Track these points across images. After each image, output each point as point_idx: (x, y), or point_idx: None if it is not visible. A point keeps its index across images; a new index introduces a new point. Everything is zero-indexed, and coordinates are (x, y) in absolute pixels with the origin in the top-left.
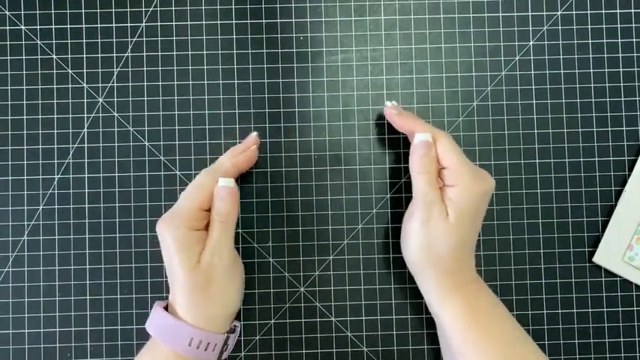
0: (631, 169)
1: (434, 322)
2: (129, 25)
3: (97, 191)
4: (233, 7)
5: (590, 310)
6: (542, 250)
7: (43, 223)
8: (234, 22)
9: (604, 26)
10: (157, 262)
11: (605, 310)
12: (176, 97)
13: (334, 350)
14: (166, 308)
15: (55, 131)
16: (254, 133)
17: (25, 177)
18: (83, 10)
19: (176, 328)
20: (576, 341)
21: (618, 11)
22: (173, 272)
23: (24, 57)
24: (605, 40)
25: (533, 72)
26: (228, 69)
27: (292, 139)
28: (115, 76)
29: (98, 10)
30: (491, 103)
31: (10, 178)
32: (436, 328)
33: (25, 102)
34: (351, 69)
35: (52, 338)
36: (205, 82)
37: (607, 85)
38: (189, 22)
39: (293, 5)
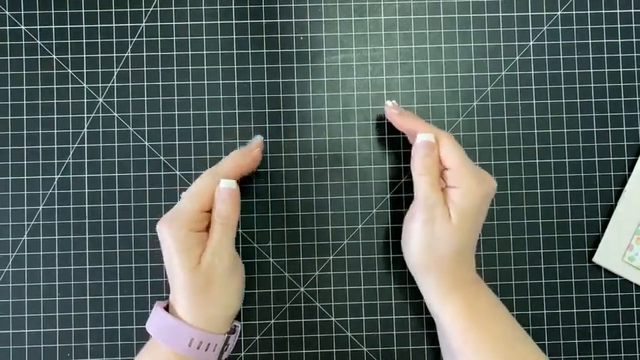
0: (631, 169)
1: (434, 322)
2: (129, 25)
3: (97, 191)
4: (233, 7)
5: (590, 310)
6: (542, 250)
7: (43, 223)
8: (234, 22)
9: (604, 26)
10: (157, 262)
11: (605, 310)
12: (176, 97)
13: (334, 350)
14: (167, 308)
15: (55, 131)
16: (259, 137)
17: (25, 177)
18: (83, 10)
19: (176, 329)
20: (576, 341)
21: (618, 11)
22: (173, 273)
23: (24, 57)
24: (605, 40)
25: (533, 72)
26: (228, 69)
27: (292, 139)
28: (115, 76)
29: (98, 10)
30: (491, 103)
31: (10, 178)
32: (436, 328)
33: (25, 102)
34: (351, 69)
35: (52, 338)
36: (205, 82)
37: (607, 85)
38: (189, 22)
39: (293, 5)
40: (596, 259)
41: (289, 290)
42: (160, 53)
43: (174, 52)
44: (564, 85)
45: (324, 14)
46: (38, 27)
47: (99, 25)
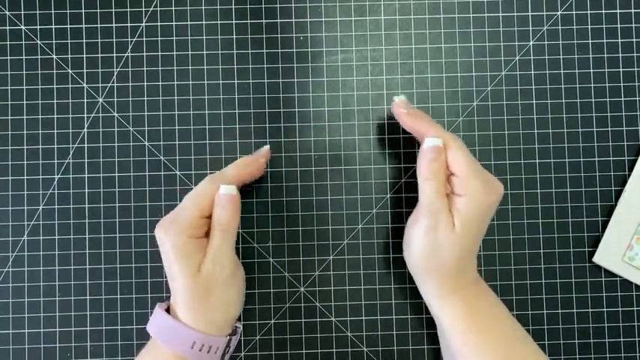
0: (631, 169)
1: (434, 322)
2: (129, 25)
3: (97, 191)
4: (233, 7)
5: (590, 310)
6: (542, 250)
7: (43, 223)
8: (234, 22)
9: (604, 26)
10: (157, 262)
11: (605, 310)
12: (176, 97)
13: (334, 350)
14: (167, 310)
15: (55, 131)
16: (266, 147)
17: (25, 177)
18: (83, 10)
19: (178, 331)
20: (576, 341)
21: (618, 11)
22: (173, 279)
23: (24, 57)
24: (605, 40)
25: (533, 72)
26: (228, 69)
27: (292, 139)
28: (115, 76)
29: (98, 10)
30: (491, 103)
31: (10, 178)
32: (436, 328)
33: (25, 102)
34: (351, 69)
35: (52, 338)
36: (205, 82)
37: (607, 85)
38: (189, 22)
39: (293, 5)
40: (596, 259)
41: (289, 290)
42: (159, 53)
43: (174, 52)
44: (564, 85)
45: (324, 14)
46: (38, 27)
47: (99, 25)
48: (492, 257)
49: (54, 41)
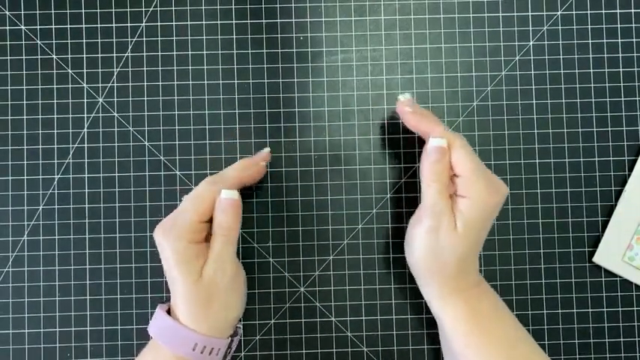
0: (631, 169)
1: (434, 322)
2: (129, 25)
3: (97, 191)
4: (233, 7)
5: (590, 310)
6: (542, 250)
7: (43, 223)
8: (234, 22)
9: (604, 26)
10: (157, 262)
11: (605, 310)
12: (176, 97)
13: (334, 350)
14: (168, 311)
15: (55, 131)
16: (267, 150)
17: (25, 177)
18: (83, 10)
19: (180, 333)
20: (576, 341)
21: (618, 11)
22: (173, 283)
23: (24, 57)
24: (605, 40)
25: (533, 72)
26: (228, 69)
27: (292, 139)
28: (115, 76)
29: (98, 10)
30: (491, 103)
31: (10, 178)
32: (436, 328)
33: (25, 102)
34: (351, 69)
35: (52, 338)
36: (205, 82)
37: (607, 85)
38: (189, 22)
39: (293, 5)
40: (596, 259)
41: (289, 290)
42: (159, 53)
43: (174, 52)
44: (564, 85)
45: (324, 14)
46: (38, 27)
47: (99, 25)
48: (492, 257)
49: (54, 41)
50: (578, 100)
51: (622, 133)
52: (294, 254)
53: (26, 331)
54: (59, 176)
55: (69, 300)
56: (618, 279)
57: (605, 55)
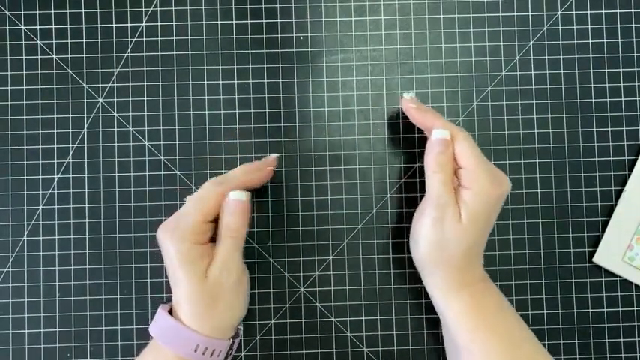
0: (631, 169)
1: (434, 322)
2: (129, 25)
3: (97, 191)
4: (233, 7)
5: (590, 310)
6: (542, 250)
7: (43, 223)
8: (234, 22)
9: (604, 26)
10: (157, 262)
11: (605, 310)
12: (176, 97)
13: (334, 350)
14: (170, 311)
15: (55, 131)
16: (274, 155)
17: (25, 177)
18: (83, 10)
19: (181, 334)
20: (576, 341)
21: (618, 11)
22: (177, 284)
23: (24, 57)
24: (605, 40)
25: (533, 72)
26: (228, 69)
27: (292, 139)
28: (115, 76)
29: (98, 10)
30: (491, 103)
31: (10, 178)
32: (436, 328)
33: (25, 102)
34: (351, 69)
35: (52, 338)
36: (205, 82)
37: (607, 85)
38: (189, 22)
39: (293, 5)
40: (596, 259)
41: (289, 290)
42: (159, 53)
43: (174, 52)
44: (564, 85)
45: (324, 14)
46: (38, 27)
47: (99, 25)
48: (492, 257)
49: (54, 41)
50: (578, 100)
51: (622, 133)
52: (294, 254)
53: (26, 331)
54: (59, 176)
55: (69, 300)
56: (618, 279)
57: (605, 55)
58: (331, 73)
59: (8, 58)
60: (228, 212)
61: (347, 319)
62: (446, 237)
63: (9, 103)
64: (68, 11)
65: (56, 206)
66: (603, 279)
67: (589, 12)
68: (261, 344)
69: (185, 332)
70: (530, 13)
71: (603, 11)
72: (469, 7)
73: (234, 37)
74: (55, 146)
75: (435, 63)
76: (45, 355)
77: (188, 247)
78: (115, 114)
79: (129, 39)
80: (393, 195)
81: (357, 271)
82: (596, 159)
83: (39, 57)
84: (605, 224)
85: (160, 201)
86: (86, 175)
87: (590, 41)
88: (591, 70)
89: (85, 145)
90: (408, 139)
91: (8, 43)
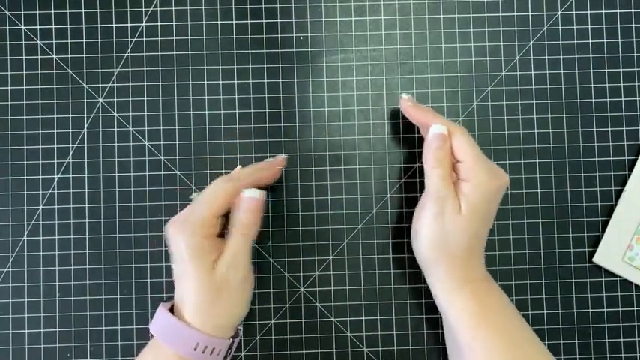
0: (631, 169)
1: (434, 322)
2: (129, 25)
3: (97, 191)
4: (233, 7)
5: (590, 310)
6: (542, 250)
7: (43, 223)
8: (234, 22)
9: (604, 26)
10: (157, 262)
11: (605, 310)
12: (176, 97)
13: (334, 350)
14: (171, 309)
15: (55, 131)
16: (284, 155)
17: (25, 177)
18: (83, 10)
19: (182, 332)
20: (576, 341)
21: (618, 11)
22: (184, 278)
23: (24, 57)
24: (605, 40)
25: (533, 72)
26: (228, 69)
27: (292, 139)
28: (115, 76)
29: (98, 10)
30: (491, 103)
31: (10, 178)
32: (436, 328)
33: (25, 102)
34: (351, 69)
35: (52, 338)
36: (205, 82)
37: (607, 85)
38: (189, 22)
39: (293, 5)
40: (596, 259)
41: (289, 290)
42: (159, 53)
43: (174, 52)
44: (564, 85)
45: (324, 14)
46: (38, 27)
47: (99, 25)
48: (492, 257)
49: (54, 41)
50: (578, 100)
51: (622, 133)
52: (294, 254)
53: (26, 331)
54: (59, 176)
55: (69, 300)
56: (618, 279)
57: (605, 55)
58: (331, 73)
59: (8, 58)
60: (241, 209)
61: (347, 319)
62: (447, 230)
63: (9, 103)
64: (68, 11)
65: (56, 206)
66: (603, 279)
67: (589, 12)
68: (261, 344)
69: (186, 330)
70: (530, 13)
71: (603, 11)
72: (469, 7)
73: (234, 37)
74: (55, 146)
75: (435, 63)
76: (45, 355)
77: (198, 241)
78: (115, 114)
79: (129, 39)
80: (393, 195)
81: (357, 271)
82: (596, 159)
83: (39, 57)
84: (605, 224)
85: (160, 201)
86: (86, 175)
87: (590, 41)
88: (591, 70)
89: (85, 145)
90: (408, 139)
91: (8, 43)
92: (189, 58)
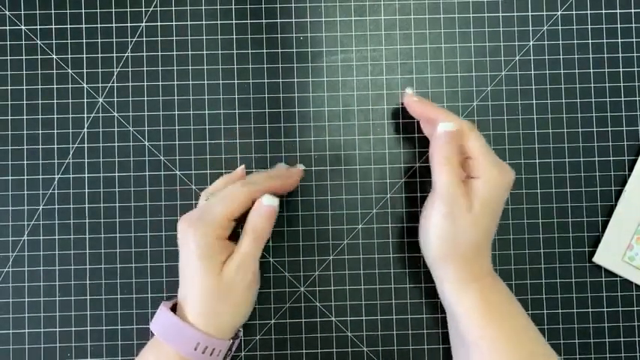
0: (631, 169)
1: (434, 322)
2: (129, 25)
3: (97, 191)
4: (233, 7)
5: (590, 310)
6: (542, 250)
7: (43, 223)
8: (234, 22)
9: (604, 26)
10: (157, 262)
11: (605, 310)
12: (176, 97)
13: (334, 350)
14: (172, 309)
15: (55, 131)
16: (302, 167)
17: (25, 177)
18: (83, 10)
19: (183, 331)
20: (576, 341)
21: (618, 11)
22: (191, 278)
23: (24, 57)
24: (605, 40)
25: (533, 72)
26: (228, 69)
27: (292, 139)
28: (115, 76)
29: (98, 10)
30: (491, 103)
31: (10, 178)
32: (437, 328)
33: (25, 102)
34: (351, 69)
35: (52, 338)
36: (205, 82)
37: (607, 85)
38: (189, 22)
39: (293, 5)
40: (596, 259)
41: (289, 290)
42: (160, 53)
43: (174, 52)
44: (564, 85)
45: (324, 14)
46: (38, 27)
47: (99, 25)
48: (492, 257)
49: (54, 41)
50: (578, 100)
51: (622, 133)
52: (294, 254)
53: (26, 331)
54: (59, 176)
55: (69, 300)
56: (618, 279)
57: (605, 55)
58: (331, 73)
59: (8, 58)
60: (257, 214)
61: (347, 319)
62: (457, 229)
63: (9, 103)
64: (68, 11)
65: (56, 206)
66: (603, 279)
67: (589, 12)
68: (261, 344)
69: (187, 330)
70: (530, 13)
71: (603, 11)
72: (469, 7)
73: (234, 37)
74: (55, 146)
75: (435, 63)
76: (45, 355)
77: (209, 242)
78: (115, 114)
79: (129, 39)
80: (393, 195)
81: (357, 271)
82: (596, 159)
83: (39, 57)
84: (605, 224)
85: (160, 201)
86: (86, 175)
87: (590, 41)
88: (591, 70)
89: (85, 145)
90: (408, 139)
91: (8, 43)
92: (189, 58)
